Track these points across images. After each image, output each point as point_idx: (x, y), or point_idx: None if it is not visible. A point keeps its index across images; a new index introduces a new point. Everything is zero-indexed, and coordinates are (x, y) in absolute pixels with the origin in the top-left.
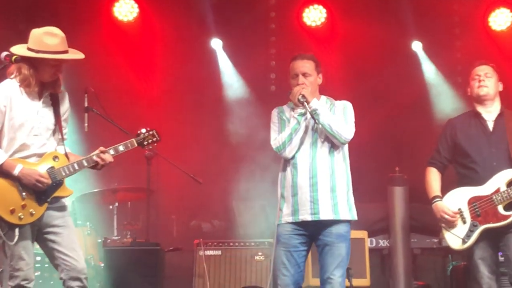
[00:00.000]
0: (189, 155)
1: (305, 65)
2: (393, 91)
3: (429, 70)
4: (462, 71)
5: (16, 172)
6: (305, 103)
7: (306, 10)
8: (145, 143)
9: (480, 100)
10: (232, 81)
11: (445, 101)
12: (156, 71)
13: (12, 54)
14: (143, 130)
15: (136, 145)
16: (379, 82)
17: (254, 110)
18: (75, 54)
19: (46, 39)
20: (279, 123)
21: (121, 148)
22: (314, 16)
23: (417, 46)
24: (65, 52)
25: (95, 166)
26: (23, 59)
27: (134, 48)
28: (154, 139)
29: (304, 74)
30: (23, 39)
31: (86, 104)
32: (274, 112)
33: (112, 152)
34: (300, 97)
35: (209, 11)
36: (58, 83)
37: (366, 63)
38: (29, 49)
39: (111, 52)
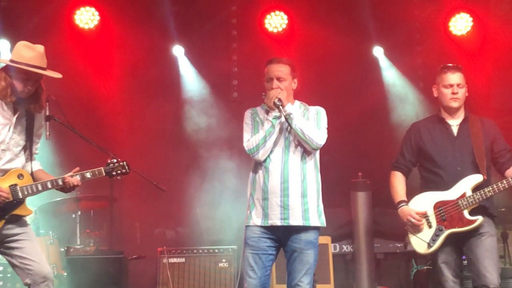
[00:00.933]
0: (152, 162)
1: (280, 69)
2: (354, 96)
3: (390, 75)
4: (424, 76)
5: None
6: (281, 107)
7: (268, 16)
8: (114, 173)
9: (451, 110)
10: (194, 87)
11: (406, 106)
12: (118, 78)
13: None
14: (114, 160)
15: (104, 174)
16: (340, 88)
17: (217, 116)
18: (49, 72)
19: (23, 51)
20: (252, 125)
21: (88, 175)
22: (276, 22)
23: (378, 51)
24: (40, 68)
25: (62, 188)
26: (1, 69)
27: (95, 55)
28: (124, 170)
29: (278, 78)
30: None
31: (47, 113)
32: (248, 113)
33: (78, 178)
34: (276, 100)
35: (171, 18)
36: (39, 103)
37: (327, 69)
38: (10, 60)
39: (72, 59)
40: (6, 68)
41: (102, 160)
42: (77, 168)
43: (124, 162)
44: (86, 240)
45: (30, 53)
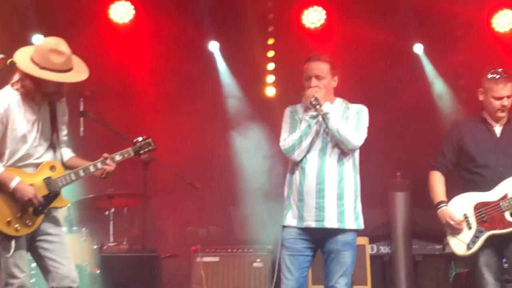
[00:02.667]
0: (186, 160)
1: (319, 67)
2: (394, 94)
3: (431, 73)
4: (465, 74)
5: (12, 185)
6: (317, 106)
7: (305, 11)
8: (141, 151)
9: (496, 118)
10: (229, 83)
11: (447, 104)
12: (152, 73)
13: (7, 58)
14: (140, 139)
15: (132, 154)
16: (380, 85)
17: (253, 113)
18: (78, 74)
19: (52, 57)
20: (290, 123)
21: (117, 157)
22: (314, 17)
23: (418, 48)
24: (69, 70)
25: (100, 174)
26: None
27: (130, 50)
28: (150, 147)
29: (317, 77)
30: (18, 42)
31: (81, 108)
32: (287, 111)
33: (108, 162)
34: (313, 99)
35: (206, 13)
36: (60, 92)
37: (366, 66)
38: (32, 60)
39: (106, 54)
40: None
41: (137, 157)
42: (105, 154)
43: (150, 139)
44: (119, 238)
45: (60, 59)
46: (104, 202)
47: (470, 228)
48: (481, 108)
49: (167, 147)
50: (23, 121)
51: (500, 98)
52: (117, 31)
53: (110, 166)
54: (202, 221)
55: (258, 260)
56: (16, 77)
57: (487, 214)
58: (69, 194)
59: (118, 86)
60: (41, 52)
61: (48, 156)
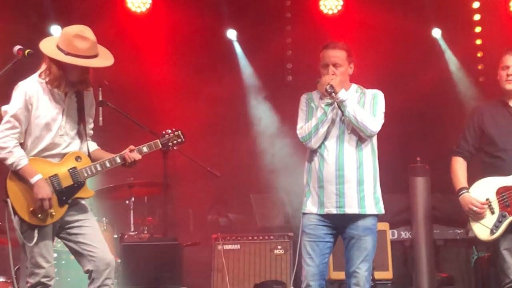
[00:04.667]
0: (206, 148)
1: (336, 55)
2: (411, 80)
3: (449, 57)
4: (483, 58)
5: (33, 180)
6: (333, 94)
7: None
8: (170, 144)
9: (507, 93)
10: (247, 71)
11: (465, 89)
12: (170, 62)
13: (25, 48)
14: (169, 131)
15: (160, 146)
16: (398, 71)
17: (270, 100)
18: (104, 60)
19: (76, 42)
20: (307, 111)
21: (145, 149)
22: (331, 3)
23: (436, 33)
24: (95, 56)
25: (123, 164)
26: (52, 59)
27: (147, 39)
28: (179, 140)
29: (334, 65)
30: (36, 33)
31: (100, 98)
32: (303, 99)
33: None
34: (328, 87)
35: (223, 1)
36: (86, 81)
37: (384, 51)
38: (58, 46)
39: (124, 44)
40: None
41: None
42: (132, 146)
43: (179, 131)
44: (140, 227)
45: (85, 44)
46: (124, 192)
47: (493, 212)
48: (502, 92)
49: (186, 135)
50: (47, 109)
51: (507, 68)
52: (134, 20)
53: (138, 156)
54: (223, 209)
55: (279, 247)
56: (43, 66)
57: (510, 198)
58: (90, 184)
59: (135, 75)
60: (66, 38)
61: (74, 147)
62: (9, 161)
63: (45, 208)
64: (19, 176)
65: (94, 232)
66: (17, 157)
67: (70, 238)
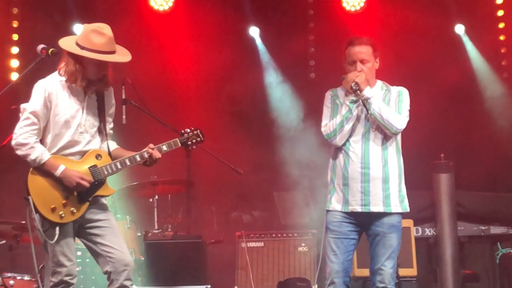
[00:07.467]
0: (229, 146)
1: (363, 51)
2: (435, 76)
3: (472, 53)
4: (507, 54)
5: (58, 173)
6: (358, 92)
7: None
8: (189, 143)
9: None
10: (270, 68)
11: (488, 84)
12: (193, 60)
13: (49, 47)
14: (187, 130)
15: (179, 145)
16: (421, 67)
17: (294, 97)
18: (120, 56)
19: (93, 37)
20: (332, 108)
21: (164, 147)
22: (353, 0)
23: (460, 29)
24: (111, 52)
25: (144, 162)
26: (69, 54)
27: (170, 37)
28: (198, 139)
29: (362, 61)
30: (60, 32)
31: (123, 96)
32: (328, 95)
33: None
34: (353, 84)
35: None
36: (105, 80)
37: (407, 48)
38: (76, 42)
39: (147, 42)
40: (73, 53)
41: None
42: (151, 145)
43: (198, 130)
44: (164, 225)
45: (101, 39)
46: (148, 190)
47: None
48: None
49: (208, 133)
50: (67, 106)
51: None
52: (157, 18)
53: (158, 154)
54: (246, 206)
55: (303, 244)
56: (61, 62)
57: None
58: (113, 182)
59: (159, 73)
60: (84, 34)
61: (95, 145)
62: (32, 157)
63: (86, 186)
64: (42, 172)
65: (113, 233)
66: (40, 152)
67: (89, 238)
